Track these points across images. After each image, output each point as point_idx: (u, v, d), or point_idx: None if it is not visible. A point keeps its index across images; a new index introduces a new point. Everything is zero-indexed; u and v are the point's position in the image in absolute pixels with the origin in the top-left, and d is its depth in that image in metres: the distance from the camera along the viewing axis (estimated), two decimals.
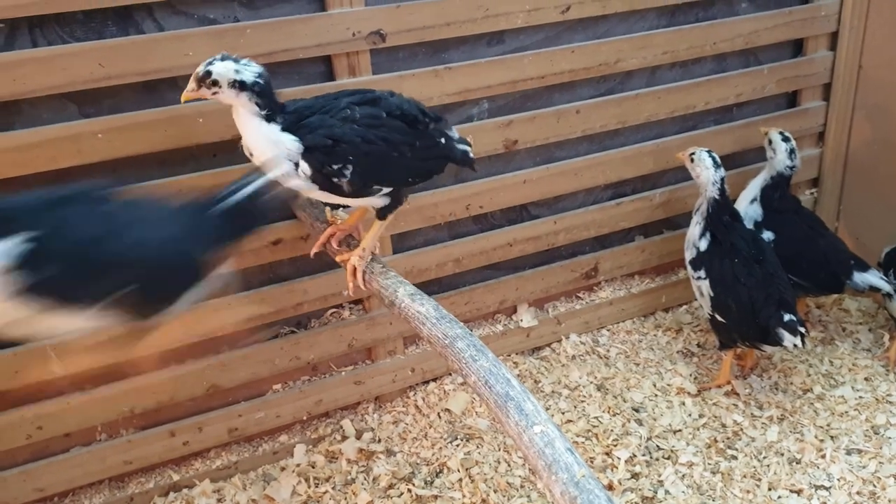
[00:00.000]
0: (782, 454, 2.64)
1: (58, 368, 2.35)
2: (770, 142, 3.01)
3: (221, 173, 2.35)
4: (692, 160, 2.82)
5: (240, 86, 1.87)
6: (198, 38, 2.20)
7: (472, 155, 2.17)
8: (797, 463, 2.61)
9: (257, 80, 1.88)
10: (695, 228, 2.86)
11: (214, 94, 1.89)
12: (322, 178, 1.93)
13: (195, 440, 2.62)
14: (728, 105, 3.16)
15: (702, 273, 2.82)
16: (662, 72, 3.01)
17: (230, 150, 2.33)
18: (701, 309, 2.96)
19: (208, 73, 1.86)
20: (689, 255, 2.89)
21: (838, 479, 2.53)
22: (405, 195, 2.15)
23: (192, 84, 1.89)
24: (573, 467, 1.39)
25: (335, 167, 1.92)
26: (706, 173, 2.76)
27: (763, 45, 3.12)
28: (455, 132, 2.17)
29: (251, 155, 1.97)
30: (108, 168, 2.26)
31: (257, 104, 1.89)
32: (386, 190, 2.06)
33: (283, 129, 1.91)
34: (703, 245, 2.82)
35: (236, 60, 1.89)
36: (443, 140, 2.11)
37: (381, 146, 1.96)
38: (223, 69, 1.86)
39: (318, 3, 2.36)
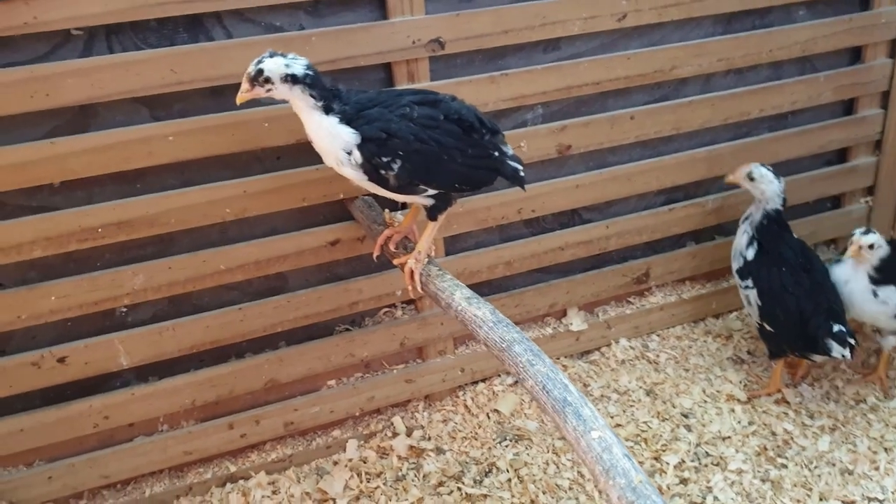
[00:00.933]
0: (834, 464, 2.63)
1: (125, 361, 2.46)
2: (753, 178, 2.80)
3: (284, 175, 2.43)
4: (752, 178, 2.80)
5: (292, 79, 1.94)
6: (265, 45, 2.26)
7: (522, 174, 2.20)
8: (849, 474, 2.60)
9: (307, 71, 1.95)
10: (742, 237, 2.86)
11: (268, 91, 1.96)
12: (371, 169, 2.00)
13: (252, 433, 2.70)
14: (783, 112, 3.14)
15: (749, 282, 2.82)
16: (717, 79, 3.01)
17: (294, 153, 2.42)
18: (750, 316, 2.96)
19: (260, 72, 1.93)
20: (735, 264, 2.89)
21: (892, 493, 2.52)
22: (454, 198, 2.19)
23: (245, 84, 1.96)
24: (630, 473, 1.42)
25: (384, 159, 1.97)
26: (772, 187, 2.76)
27: (820, 53, 3.10)
28: (510, 148, 2.21)
29: (312, 142, 2.05)
30: (176, 170, 2.35)
31: (312, 96, 1.96)
32: (431, 192, 2.11)
33: (342, 121, 1.98)
34: (751, 254, 2.82)
35: (284, 55, 1.95)
36: (496, 153, 2.15)
37: (432, 147, 2.01)
38: (273, 65, 1.93)
39: (380, 12, 2.42)
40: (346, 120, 1.98)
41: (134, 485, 2.65)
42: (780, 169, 3.17)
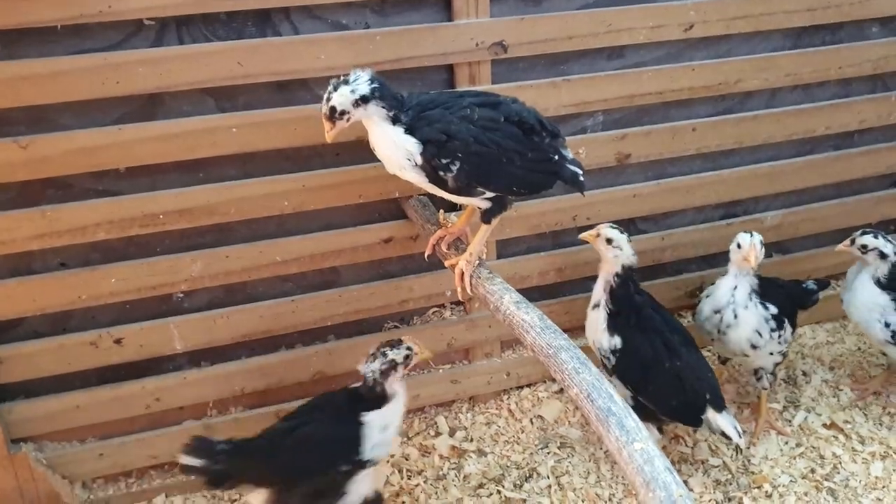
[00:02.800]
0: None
1: (179, 345, 2.52)
2: (610, 241, 2.49)
3: (343, 172, 2.46)
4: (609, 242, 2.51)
5: (363, 100, 1.94)
6: (330, 42, 2.31)
7: (582, 178, 2.18)
8: None
9: (374, 85, 1.94)
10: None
11: (348, 120, 1.97)
12: (430, 170, 2.00)
13: None
14: (850, 131, 3.07)
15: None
16: (783, 94, 2.96)
17: (353, 150, 2.45)
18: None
19: (333, 109, 1.95)
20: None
21: None
22: (510, 201, 2.18)
23: (326, 124, 1.98)
24: (671, 486, 1.41)
25: (444, 161, 1.97)
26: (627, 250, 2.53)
27: (893, 72, 3.02)
28: (569, 152, 2.19)
29: (374, 150, 2.06)
30: (238, 161, 2.40)
31: (384, 108, 1.96)
32: (489, 194, 2.10)
33: (407, 131, 1.98)
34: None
35: (346, 82, 1.94)
36: (556, 157, 2.13)
37: (491, 149, 2.00)
38: (341, 98, 1.94)
39: (445, 13, 2.44)
40: (410, 128, 1.99)
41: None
42: (844, 189, 3.12)
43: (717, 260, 3.13)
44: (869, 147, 3.12)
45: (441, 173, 1.99)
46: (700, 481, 2.63)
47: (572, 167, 2.17)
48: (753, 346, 2.64)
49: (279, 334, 2.63)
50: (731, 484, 2.62)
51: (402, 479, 2.68)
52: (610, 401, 1.62)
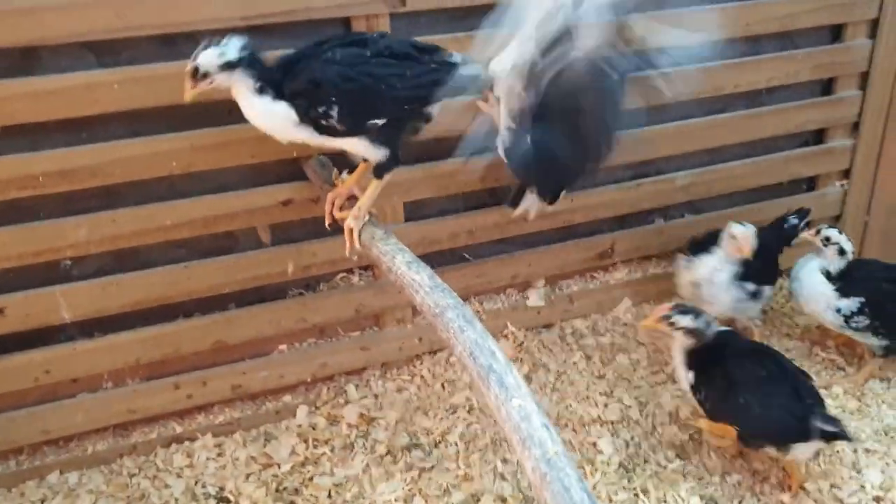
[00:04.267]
0: None
1: (66, 314, 2.41)
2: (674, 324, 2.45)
3: (233, 130, 2.36)
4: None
5: (229, 66, 1.90)
6: None
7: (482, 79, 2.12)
8: None
9: (244, 53, 1.91)
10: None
11: (211, 83, 1.93)
12: (311, 122, 1.97)
13: (199, 394, 2.66)
14: (759, 89, 3.08)
15: None
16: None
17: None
18: None
19: (196, 70, 1.90)
20: None
21: None
22: (400, 151, 2.14)
23: (188, 83, 1.93)
24: (547, 443, 1.38)
25: (320, 110, 1.95)
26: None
27: (801, 29, 3.02)
28: (459, 56, 2.14)
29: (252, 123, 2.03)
30: (124, 120, 2.29)
31: (251, 77, 1.93)
32: (382, 122, 2.05)
33: (276, 96, 1.95)
34: None
35: (217, 44, 1.90)
36: (439, 66, 2.09)
37: (365, 81, 1.96)
38: (207, 59, 1.90)
39: None
40: (278, 91, 1.95)
41: (76, 442, 2.60)
42: (755, 147, 3.12)
43: (628, 220, 3.14)
44: (779, 105, 3.13)
45: (324, 122, 1.95)
46: None
47: (468, 72, 2.11)
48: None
49: (175, 302, 2.54)
50: None
51: (307, 448, 2.63)
52: (492, 358, 1.58)
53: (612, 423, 2.70)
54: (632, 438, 2.63)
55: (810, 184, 3.41)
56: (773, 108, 3.13)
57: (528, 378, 2.88)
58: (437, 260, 2.82)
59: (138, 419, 2.64)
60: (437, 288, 1.82)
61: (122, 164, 2.29)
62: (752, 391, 2.35)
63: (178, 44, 2.27)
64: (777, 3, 2.92)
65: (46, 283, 2.40)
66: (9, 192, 2.22)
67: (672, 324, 2.42)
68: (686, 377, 2.47)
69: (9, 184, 2.21)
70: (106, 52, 2.23)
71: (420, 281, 1.86)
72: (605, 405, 2.77)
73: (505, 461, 2.56)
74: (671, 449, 2.59)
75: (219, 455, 2.63)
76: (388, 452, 2.61)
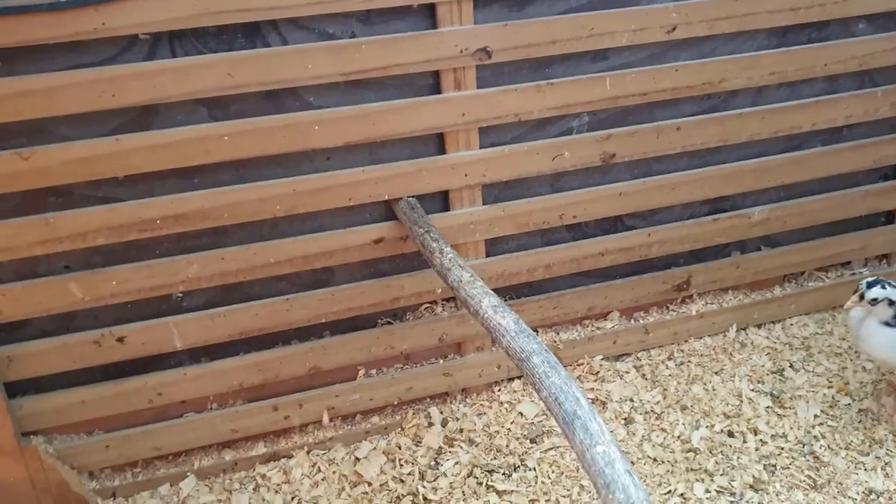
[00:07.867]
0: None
1: (178, 343, 2.63)
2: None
3: (333, 176, 2.55)
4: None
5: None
6: (318, 51, 2.38)
7: None
8: None
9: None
10: None
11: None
12: None
13: (295, 415, 2.85)
14: (838, 126, 3.12)
15: None
16: (769, 91, 3.00)
17: (343, 154, 2.55)
18: None
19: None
20: None
21: None
22: None
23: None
24: (630, 489, 1.50)
25: None
26: None
27: (879, 67, 3.05)
28: None
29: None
30: (232, 167, 2.49)
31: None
32: None
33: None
34: None
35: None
36: None
37: None
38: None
39: (430, 21, 2.49)
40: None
41: (184, 457, 2.83)
42: (833, 183, 3.16)
43: (704, 254, 3.21)
44: (855, 142, 3.16)
45: None
46: None
47: None
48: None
49: (275, 331, 2.73)
50: None
51: (395, 467, 2.79)
52: (576, 404, 1.70)
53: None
54: None
55: (889, 217, 3.42)
56: (850, 144, 3.16)
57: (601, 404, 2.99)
58: (516, 293, 2.96)
59: (240, 437, 2.85)
60: (523, 333, 1.94)
61: (230, 208, 2.49)
62: None
63: (281, 97, 2.46)
64: (856, 43, 2.96)
65: (161, 314, 2.62)
66: (130, 235, 2.44)
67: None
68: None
69: (130, 227, 2.43)
70: (217, 107, 2.43)
71: (506, 326, 1.98)
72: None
73: (582, 487, 2.68)
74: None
75: (313, 473, 2.82)
76: (471, 474, 2.75)
